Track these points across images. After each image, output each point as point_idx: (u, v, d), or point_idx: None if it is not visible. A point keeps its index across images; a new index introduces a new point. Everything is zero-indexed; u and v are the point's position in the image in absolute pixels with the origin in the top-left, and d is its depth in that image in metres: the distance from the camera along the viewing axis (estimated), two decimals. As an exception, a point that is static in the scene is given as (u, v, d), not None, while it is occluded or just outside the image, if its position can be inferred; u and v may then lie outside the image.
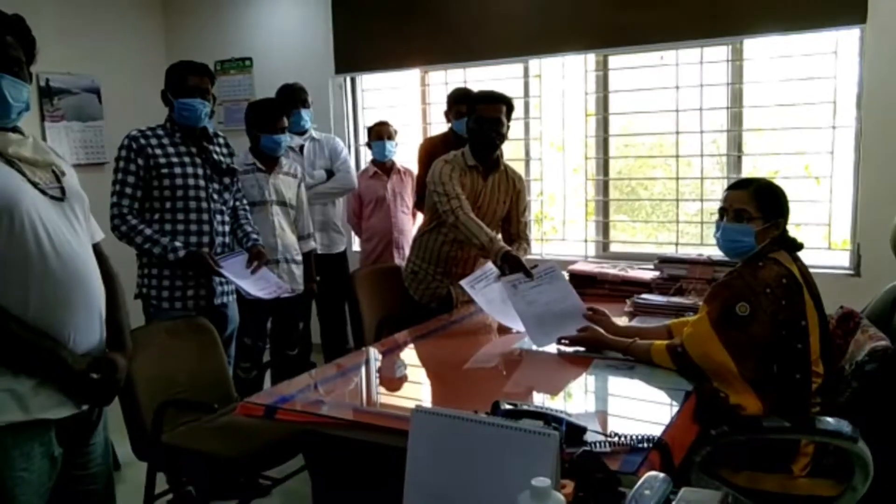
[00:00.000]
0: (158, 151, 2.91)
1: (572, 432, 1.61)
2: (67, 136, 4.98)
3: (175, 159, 2.93)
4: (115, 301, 1.82)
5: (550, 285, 2.70)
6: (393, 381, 2.46)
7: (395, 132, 4.37)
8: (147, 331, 2.70)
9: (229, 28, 5.50)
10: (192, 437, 2.55)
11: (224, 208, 3.09)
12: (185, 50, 5.33)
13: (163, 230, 2.91)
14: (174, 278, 2.94)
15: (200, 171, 2.98)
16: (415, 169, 4.29)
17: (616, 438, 1.64)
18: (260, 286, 3.05)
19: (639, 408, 2.06)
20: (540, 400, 2.11)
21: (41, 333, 1.61)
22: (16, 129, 1.70)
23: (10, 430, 1.60)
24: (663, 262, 3.31)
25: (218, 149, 3.10)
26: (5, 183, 1.59)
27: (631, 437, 1.64)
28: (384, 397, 2.32)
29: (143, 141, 2.90)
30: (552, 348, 2.49)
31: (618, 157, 4.62)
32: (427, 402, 2.20)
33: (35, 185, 1.65)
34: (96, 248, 1.82)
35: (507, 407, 1.68)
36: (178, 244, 2.88)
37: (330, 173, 4.09)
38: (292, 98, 4.02)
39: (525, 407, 1.71)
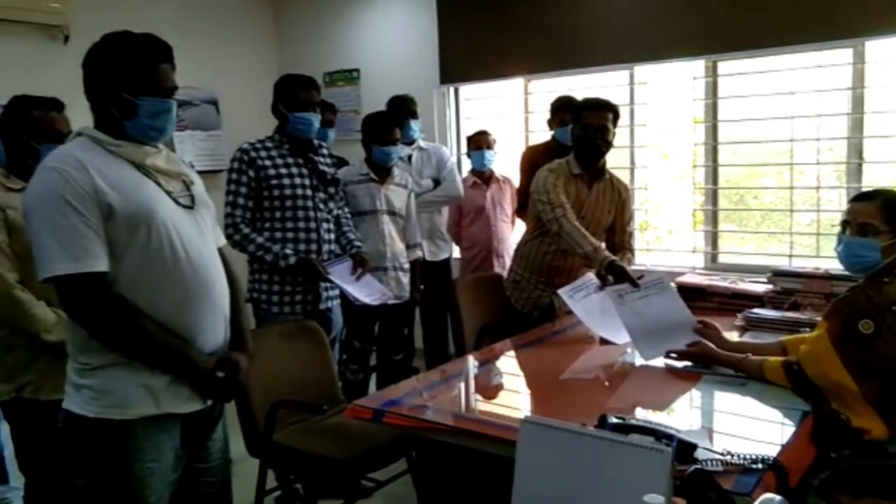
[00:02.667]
0: (268, 163, 3.03)
1: (683, 449, 1.57)
2: (192, 145, 5.29)
3: (284, 170, 3.05)
4: (236, 304, 1.92)
5: (659, 297, 2.65)
6: (495, 389, 2.46)
7: (494, 141, 4.41)
8: (260, 333, 2.82)
9: (338, 40, 5.68)
10: (301, 437, 2.63)
11: (329, 217, 3.20)
12: (296, 62, 5.54)
13: (273, 238, 3.03)
14: (283, 284, 3.06)
15: (307, 182, 3.09)
16: (514, 178, 4.30)
17: (729, 457, 1.59)
18: (366, 292, 3.14)
19: (751, 426, 1.98)
20: (645, 414, 2.07)
21: (173, 333, 1.73)
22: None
23: (143, 423, 1.72)
24: (777, 275, 3.18)
25: (322, 159, 3.21)
26: (144, 193, 1.72)
27: (745, 456, 1.59)
28: (487, 405, 2.33)
29: (253, 153, 3.03)
30: (658, 362, 2.44)
31: (727, 166, 4.47)
32: (529, 412, 2.19)
33: (169, 193, 1.77)
34: (220, 253, 1.92)
35: (615, 421, 1.66)
36: (288, 251, 3.00)
37: (437, 182, 4.17)
38: (403, 109, 4.12)
39: (633, 422, 1.69)
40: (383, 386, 3.21)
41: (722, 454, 1.61)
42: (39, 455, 2.20)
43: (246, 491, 2.74)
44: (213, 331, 1.81)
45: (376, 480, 2.87)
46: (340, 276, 3.09)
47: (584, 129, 3.10)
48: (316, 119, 3.08)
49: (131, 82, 1.74)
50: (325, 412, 2.55)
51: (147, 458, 1.73)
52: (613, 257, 2.89)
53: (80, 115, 2.34)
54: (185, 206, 1.80)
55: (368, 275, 3.22)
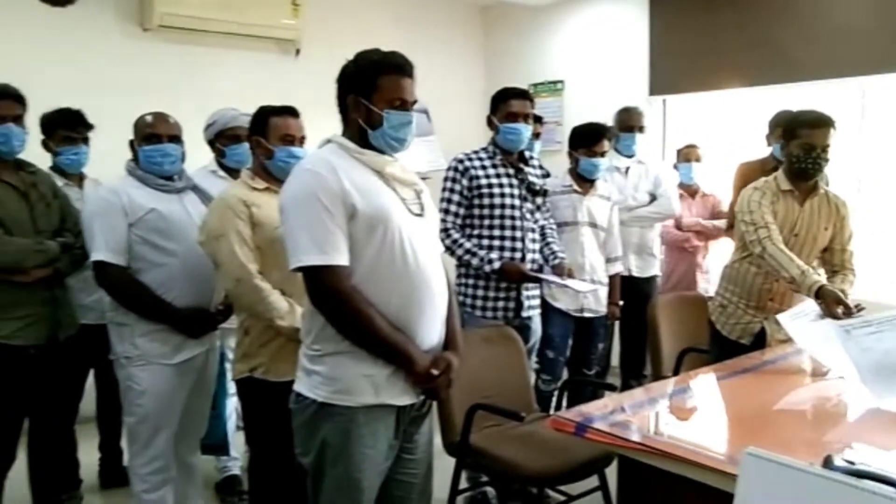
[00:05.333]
0: (480, 172, 3.14)
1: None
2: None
3: (495, 180, 3.14)
4: (451, 307, 2.02)
5: (894, 333, 2.41)
6: (702, 416, 2.36)
7: (702, 156, 4.26)
8: (464, 336, 2.90)
9: (543, 52, 5.74)
10: (497, 441, 2.68)
11: (535, 227, 3.25)
12: (503, 73, 5.68)
13: (480, 245, 3.13)
14: (487, 289, 3.15)
15: (517, 192, 3.17)
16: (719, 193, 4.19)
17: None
18: (576, 283, 3.18)
19: None
20: (870, 460, 1.88)
21: (398, 329, 1.84)
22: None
23: (363, 411, 1.85)
24: None
25: (532, 170, 3.26)
26: (383, 198, 1.86)
27: None
28: (695, 431, 2.24)
29: (467, 163, 3.16)
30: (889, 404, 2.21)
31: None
32: (735, 442, 2.08)
33: (403, 201, 1.91)
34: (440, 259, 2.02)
35: (843, 464, 1.54)
36: (493, 256, 3.08)
37: (652, 197, 4.09)
38: (629, 121, 4.08)
39: (866, 467, 1.55)
40: (572, 399, 3.21)
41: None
42: (266, 431, 2.41)
43: (437, 488, 2.83)
44: (431, 330, 1.92)
45: (567, 494, 2.85)
46: (548, 275, 3.17)
47: (804, 149, 2.89)
48: (527, 130, 3.14)
49: (379, 96, 1.89)
50: (523, 419, 2.58)
51: (366, 444, 1.86)
52: (823, 281, 2.68)
53: (309, 121, 2.58)
54: (415, 214, 1.92)
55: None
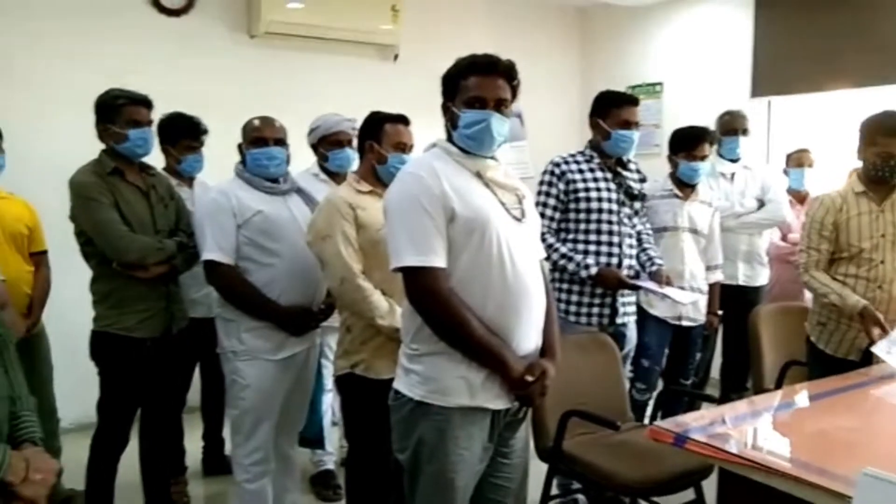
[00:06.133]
0: (577, 177, 3.10)
1: None
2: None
3: (592, 184, 3.09)
4: (550, 314, 2.01)
5: None
6: (807, 432, 2.26)
7: (814, 160, 4.12)
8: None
9: (641, 54, 5.64)
10: (590, 449, 2.65)
11: (632, 232, 3.19)
12: (599, 75, 5.61)
13: (575, 249, 3.09)
14: (582, 294, 3.11)
15: (614, 196, 3.11)
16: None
17: None
18: (675, 293, 3.10)
19: None
20: None
21: (493, 333, 1.85)
22: (493, 157, 1.99)
23: (459, 412, 1.87)
24: None
25: (630, 174, 3.20)
26: (482, 202, 1.88)
27: None
28: (797, 448, 2.15)
29: (564, 166, 3.12)
30: None
31: None
32: (848, 463, 1.98)
33: (503, 205, 1.92)
34: (539, 265, 2.02)
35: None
36: (590, 261, 3.04)
37: (760, 203, 3.97)
38: (732, 124, 3.99)
39: None
40: (666, 410, 3.14)
41: None
42: (365, 427, 2.47)
43: (529, 493, 2.82)
44: (527, 336, 1.92)
45: (659, 505, 2.80)
46: (647, 282, 3.10)
47: (881, 157, 2.78)
48: (635, 136, 3.09)
49: (460, 97, 1.93)
50: (618, 428, 2.54)
51: (461, 445, 1.88)
52: (865, 302, 2.69)
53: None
54: (515, 218, 1.93)
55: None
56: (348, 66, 4.97)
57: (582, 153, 3.18)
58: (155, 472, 3.00)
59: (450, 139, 1.99)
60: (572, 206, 3.10)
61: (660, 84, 5.51)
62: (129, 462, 2.91)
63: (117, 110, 2.70)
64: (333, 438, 3.60)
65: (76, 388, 3.14)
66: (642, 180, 3.28)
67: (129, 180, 2.77)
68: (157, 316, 2.76)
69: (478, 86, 1.92)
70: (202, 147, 3.42)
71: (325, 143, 3.29)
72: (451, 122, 1.96)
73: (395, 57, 5.16)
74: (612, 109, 3.09)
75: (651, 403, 3.60)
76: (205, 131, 3.43)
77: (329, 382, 3.38)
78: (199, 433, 3.71)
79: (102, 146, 2.77)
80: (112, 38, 4.25)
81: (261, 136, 2.71)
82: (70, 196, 2.70)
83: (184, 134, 3.35)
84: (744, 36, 4.96)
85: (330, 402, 3.49)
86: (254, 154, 2.71)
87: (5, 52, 3.98)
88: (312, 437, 3.39)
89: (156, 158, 3.06)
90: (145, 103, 2.78)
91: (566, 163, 3.14)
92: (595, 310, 3.11)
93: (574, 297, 3.12)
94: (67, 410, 3.27)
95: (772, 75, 4.84)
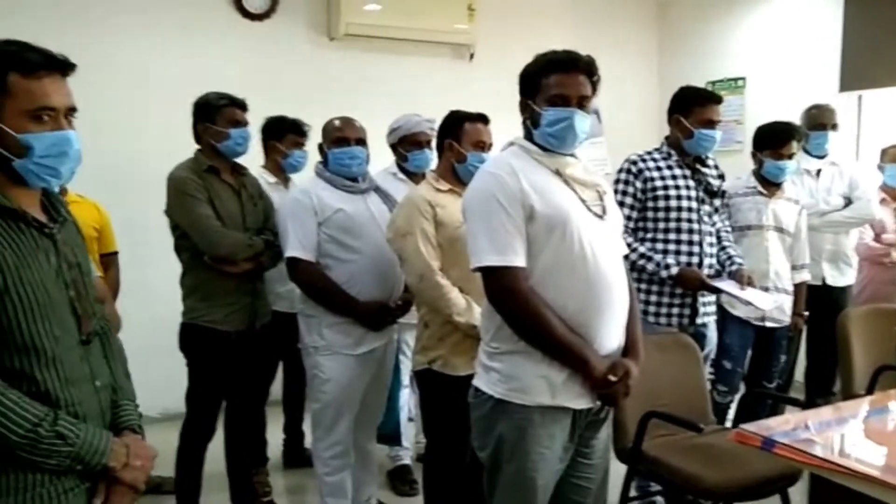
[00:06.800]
0: (655, 174, 3.03)
1: None
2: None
3: (671, 182, 3.02)
4: (633, 313, 1.99)
5: None
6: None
7: None
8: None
9: (723, 48, 5.48)
10: (671, 451, 2.60)
11: (713, 230, 3.11)
12: (677, 71, 5.50)
13: (654, 248, 3.03)
14: (661, 294, 3.05)
15: (693, 194, 3.03)
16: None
17: None
18: (756, 297, 3.00)
19: None
20: None
21: (574, 332, 1.84)
22: (572, 154, 1.98)
23: (540, 411, 1.87)
24: None
25: (710, 171, 3.12)
26: (562, 199, 1.87)
27: None
28: (892, 457, 2.06)
29: (641, 164, 3.06)
30: None
31: None
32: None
33: (583, 202, 1.90)
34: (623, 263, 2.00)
35: None
36: (670, 261, 2.97)
37: (847, 201, 3.83)
38: (820, 119, 3.86)
39: None
40: (749, 413, 3.04)
41: None
42: (443, 423, 2.49)
43: (610, 494, 2.79)
44: (610, 335, 1.90)
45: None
46: (728, 285, 3.01)
47: None
48: (718, 136, 3.01)
49: (541, 95, 1.92)
50: (701, 430, 2.48)
51: (542, 444, 1.87)
52: None
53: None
54: (596, 215, 1.91)
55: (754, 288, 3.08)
56: (424, 66, 5.02)
57: (658, 150, 3.12)
58: (239, 463, 3.09)
59: (528, 137, 1.98)
60: (650, 204, 3.04)
61: (742, 79, 5.34)
62: (216, 453, 3.01)
63: (219, 110, 2.81)
64: (410, 434, 3.64)
65: (165, 379, 3.26)
66: (721, 177, 3.19)
67: (223, 178, 2.87)
68: (243, 310, 2.84)
69: (560, 83, 1.90)
70: (306, 144, 3.59)
71: (405, 143, 3.32)
72: (532, 119, 1.95)
73: (471, 56, 5.18)
74: (695, 107, 3.00)
75: (733, 406, 3.51)
76: (308, 129, 3.60)
77: (406, 378, 3.42)
78: (280, 426, 3.81)
79: (197, 146, 2.87)
80: (199, 41, 4.40)
81: (342, 136, 2.77)
82: (167, 191, 2.81)
83: (290, 130, 3.57)
84: (832, 27, 4.76)
85: (406, 398, 3.53)
86: (336, 154, 2.77)
87: (88, 53, 4.12)
88: (389, 433, 3.44)
89: (247, 161, 3.15)
90: (242, 106, 2.89)
91: (643, 160, 3.07)
92: (675, 310, 3.04)
93: (653, 297, 3.06)
94: (156, 401, 3.40)
95: (862, 68, 4.63)
